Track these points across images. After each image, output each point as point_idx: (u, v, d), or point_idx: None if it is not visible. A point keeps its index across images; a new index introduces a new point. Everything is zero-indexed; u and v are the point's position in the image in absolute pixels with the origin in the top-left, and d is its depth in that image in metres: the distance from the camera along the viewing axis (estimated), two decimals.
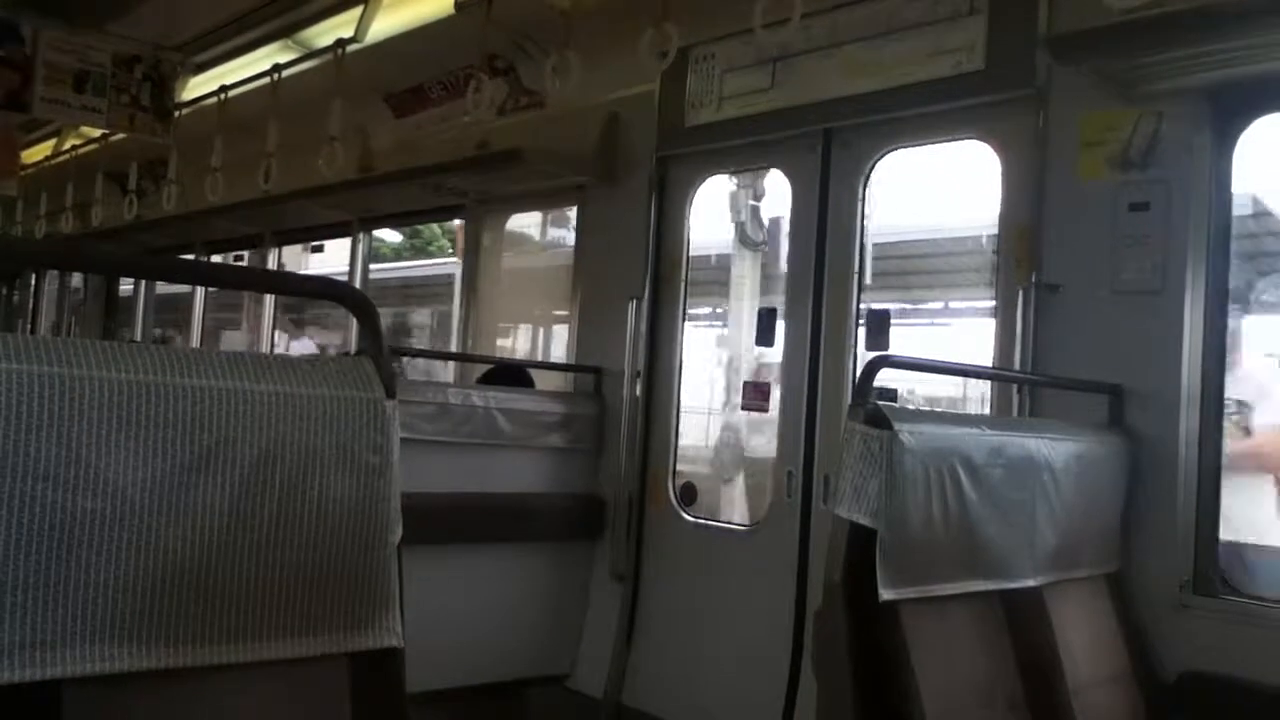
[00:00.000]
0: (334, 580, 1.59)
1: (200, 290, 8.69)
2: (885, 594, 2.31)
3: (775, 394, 4.37)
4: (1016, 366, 3.41)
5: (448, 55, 5.67)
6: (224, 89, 6.78)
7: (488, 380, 5.07)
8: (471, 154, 5.43)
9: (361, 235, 6.80)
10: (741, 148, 4.51)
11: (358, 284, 6.66)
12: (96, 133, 7.87)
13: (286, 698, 1.59)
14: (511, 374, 5.04)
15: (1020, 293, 3.42)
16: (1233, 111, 3.17)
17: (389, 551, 1.66)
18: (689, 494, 4.61)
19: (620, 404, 4.65)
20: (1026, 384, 3.41)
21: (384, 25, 5.82)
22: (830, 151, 4.15)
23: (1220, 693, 2.89)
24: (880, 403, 2.41)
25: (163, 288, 9.95)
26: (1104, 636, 2.98)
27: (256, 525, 1.49)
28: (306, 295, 2.46)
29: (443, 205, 6.08)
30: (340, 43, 5.81)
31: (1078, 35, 3.16)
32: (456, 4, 5.18)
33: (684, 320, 4.70)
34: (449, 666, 4.07)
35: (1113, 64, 3.12)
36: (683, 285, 4.69)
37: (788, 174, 4.35)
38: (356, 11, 5.81)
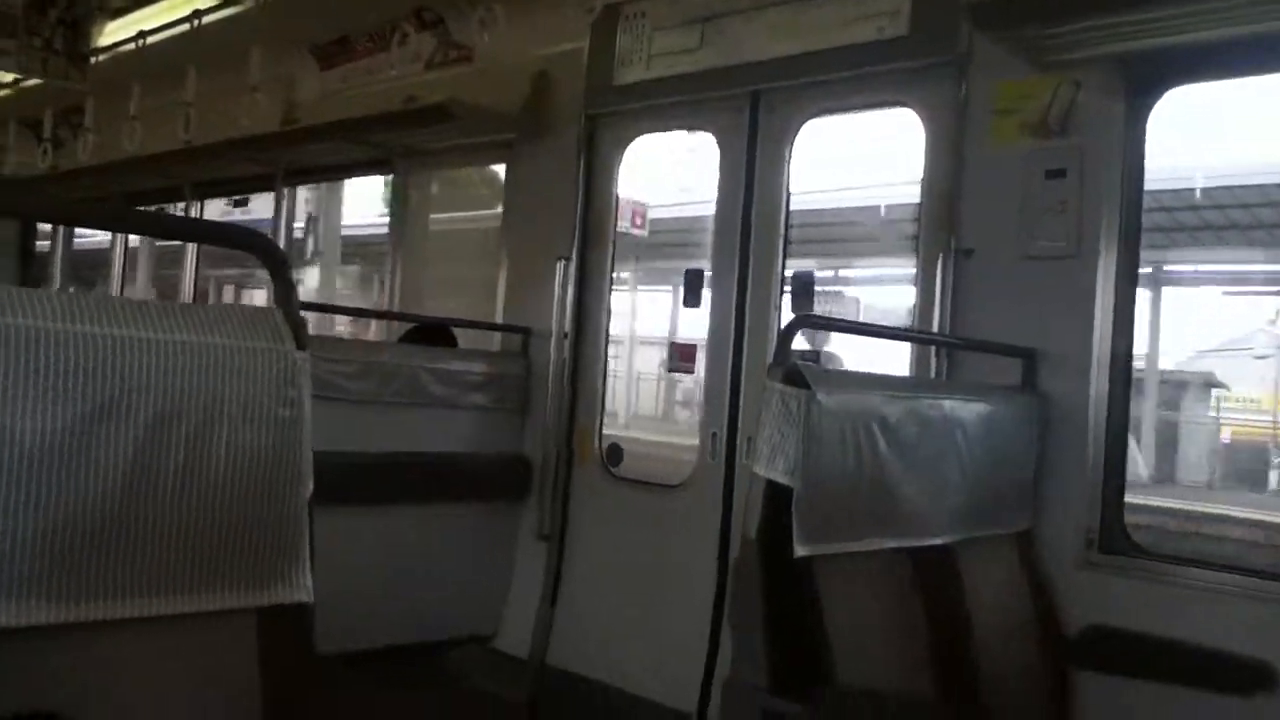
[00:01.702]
0: (242, 534, 1.57)
1: (120, 243, 8.47)
2: (800, 550, 2.36)
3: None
4: (935, 329, 3.47)
5: (375, 6, 5.55)
6: (142, 34, 6.57)
7: (411, 339, 5.02)
8: (399, 108, 5.33)
9: (285, 189, 6.65)
10: (670, 107, 4.49)
11: (281, 238, 6.54)
12: (9, 77, 7.58)
13: (193, 652, 1.58)
14: (435, 333, 4.99)
15: (939, 257, 3.47)
16: (1148, 82, 3.23)
17: (299, 506, 1.65)
18: (615, 454, 4.63)
19: (547, 364, 4.63)
20: (943, 346, 3.47)
21: None
22: (758, 114, 4.15)
23: (1121, 646, 3.00)
24: (799, 363, 2.44)
25: (88, 243, 9.70)
26: (1012, 592, 3.07)
27: (160, 477, 1.47)
28: (217, 243, 2.41)
29: (369, 160, 5.97)
30: None
31: (998, 3, 3.18)
32: None
33: (611, 280, 4.69)
34: (372, 627, 4.06)
35: (1031, 32, 3.16)
36: (611, 246, 4.68)
37: (716, 135, 4.35)
38: None
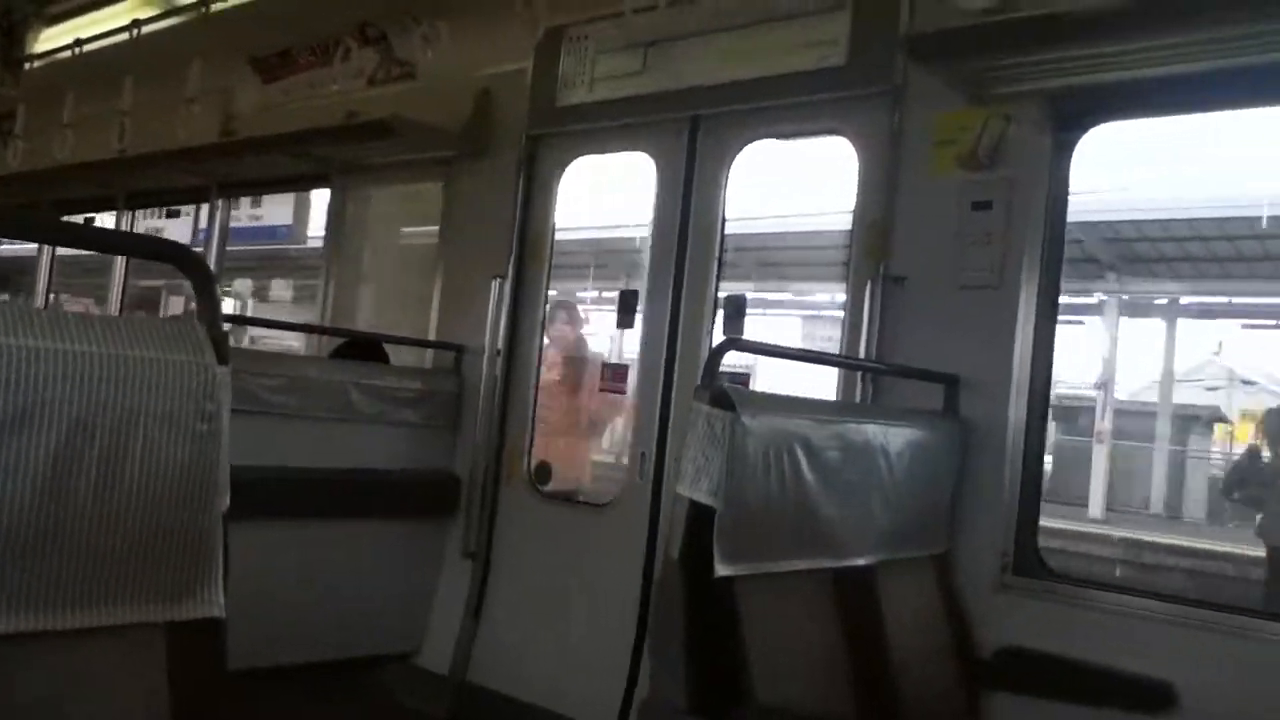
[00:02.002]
0: (154, 548, 1.55)
1: (48, 253, 8.29)
2: (721, 570, 2.37)
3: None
4: (862, 355, 3.51)
5: (318, 20, 5.53)
6: (79, 42, 6.48)
7: (342, 355, 4.98)
8: (340, 123, 5.30)
9: (220, 202, 6.57)
10: (611, 129, 4.52)
11: (214, 252, 6.45)
12: None
13: (100, 668, 1.56)
14: (367, 349, 4.94)
15: (869, 284, 3.52)
16: (1073, 118, 3.32)
17: (214, 520, 1.63)
18: (544, 472, 4.61)
19: (480, 382, 4.61)
20: (869, 372, 3.52)
21: None
22: (697, 138, 4.20)
23: (1032, 668, 3.04)
24: (725, 385, 2.46)
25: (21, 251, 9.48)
26: (929, 614, 3.10)
27: (73, 490, 1.45)
28: (140, 255, 2.38)
29: (307, 175, 5.92)
30: (205, 1, 5.61)
31: (932, 36, 3.26)
32: None
33: (547, 300, 4.69)
34: (294, 642, 4.00)
35: (964, 65, 3.24)
36: (547, 265, 4.68)
37: (655, 158, 4.38)
38: None
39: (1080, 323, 18.31)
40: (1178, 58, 2.93)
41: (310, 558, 4.15)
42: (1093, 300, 17.98)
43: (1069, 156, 3.35)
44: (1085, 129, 3.33)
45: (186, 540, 1.59)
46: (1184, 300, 18.28)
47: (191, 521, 1.59)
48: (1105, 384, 18.52)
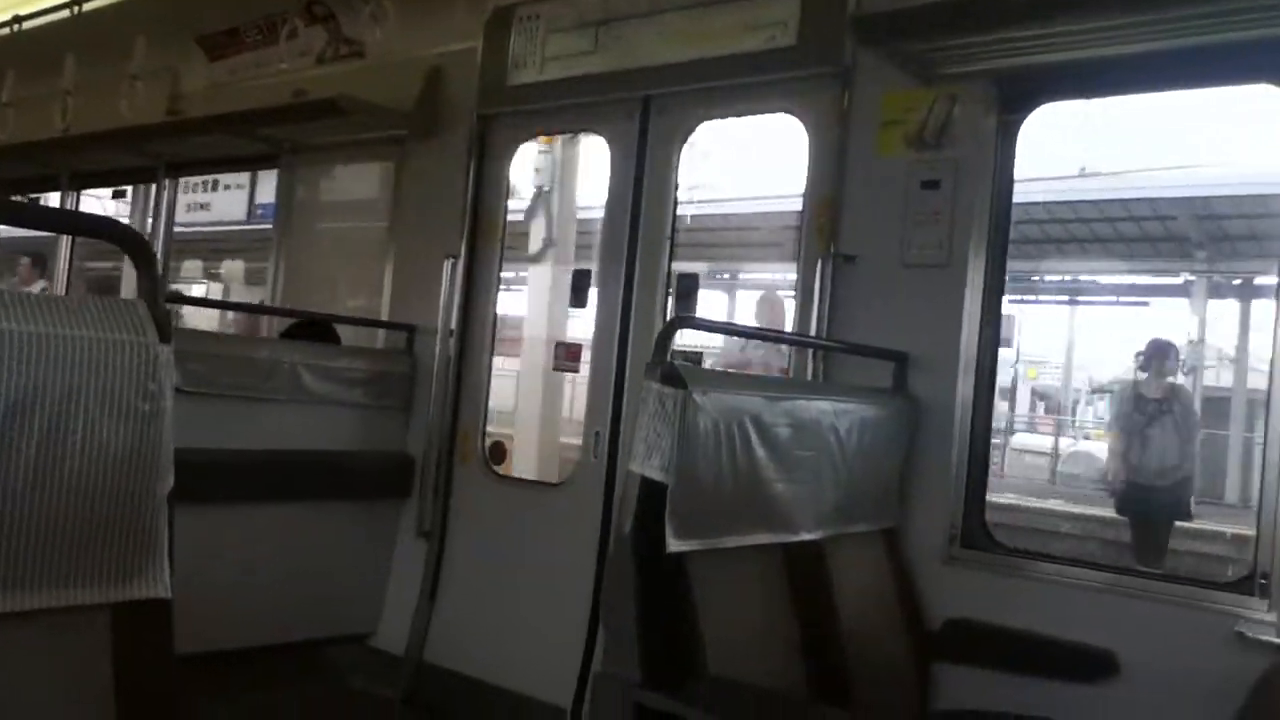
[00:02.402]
0: (98, 529, 1.54)
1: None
2: (673, 545, 2.40)
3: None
4: (813, 333, 3.54)
5: None
6: (18, 19, 6.33)
7: (293, 335, 4.94)
8: (287, 102, 5.24)
9: (168, 181, 6.48)
10: (563, 109, 4.51)
11: (160, 231, 6.36)
12: None
13: (45, 650, 1.54)
14: (318, 330, 4.91)
15: (819, 262, 3.56)
16: (1019, 98, 3.37)
17: (158, 501, 1.62)
18: (498, 452, 4.61)
19: (432, 362, 4.60)
20: (820, 349, 3.55)
21: None
22: (649, 118, 4.20)
23: (980, 638, 3.11)
24: (676, 363, 2.48)
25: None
26: (879, 587, 3.16)
27: (13, 470, 1.44)
28: (78, 233, 2.33)
29: (256, 155, 5.84)
30: None
31: (880, 17, 3.29)
32: None
33: (500, 279, 4.68)
34: (246, 625, 3.98)
35: (911, 46, 3.27)
36: (500, 244, 4.67)
37: (607, 138, 4.38)
38: None
39: (1145, 304, 17.31)
40: (1118, 39, 2.98)
41: (262, 540, 4.13)
42: (1178, 280, 16.60)
43: (1015, 136, 3.39)
44: (1030, 109, 3.38)
45: (130, 521, 1.58)
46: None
47: (135, 502, 1.58)
48: (1195, 370, 16.60)
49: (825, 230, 3.62)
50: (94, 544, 1.55)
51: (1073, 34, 3.01)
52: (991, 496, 3.37)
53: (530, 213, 7.38)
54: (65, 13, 5.96)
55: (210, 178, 11.52)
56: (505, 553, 4.34)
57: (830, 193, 3.63)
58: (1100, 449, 15.10)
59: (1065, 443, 19.29)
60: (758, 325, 5.32)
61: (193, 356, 3.93)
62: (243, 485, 4.02)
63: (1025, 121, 3.40)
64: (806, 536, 2.83)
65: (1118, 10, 2.86)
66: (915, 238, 3.42)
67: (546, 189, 7.30)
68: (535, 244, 7.40)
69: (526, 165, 6.98)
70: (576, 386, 5.38)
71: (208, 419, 3.89)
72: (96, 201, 8.99)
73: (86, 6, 5.89)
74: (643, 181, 4.19)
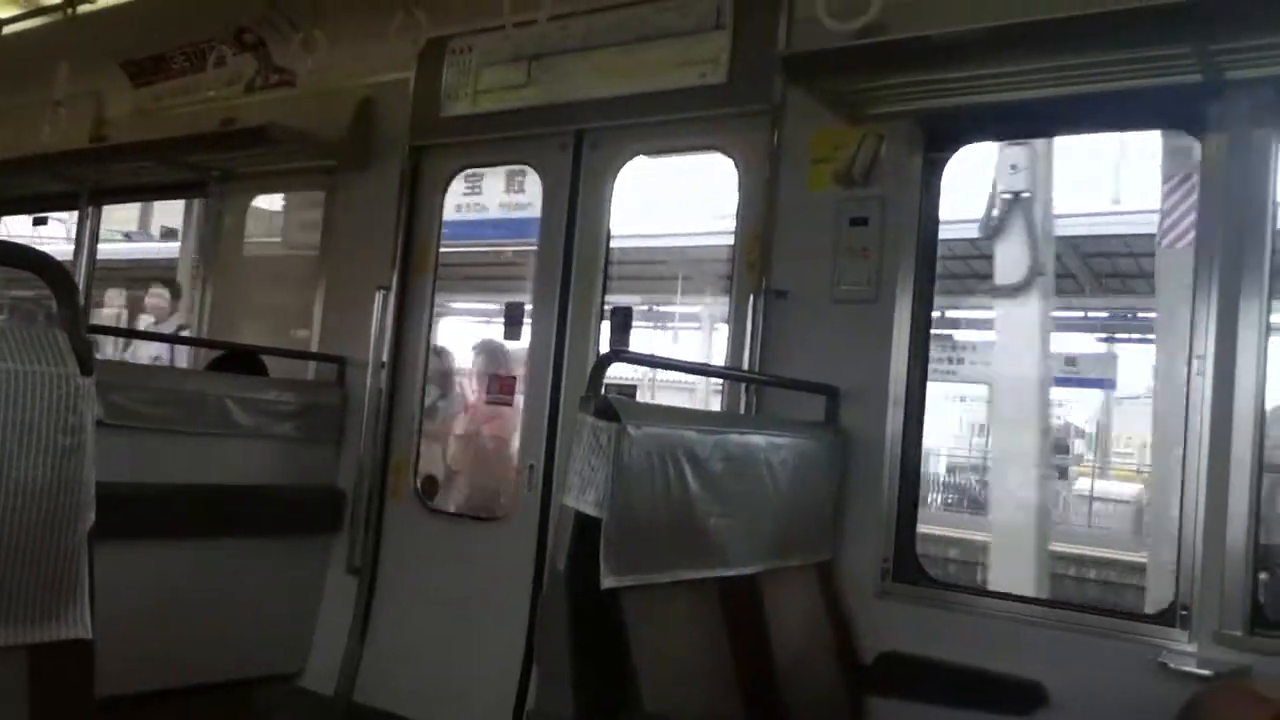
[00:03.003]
0: (15, 568, 1.50)
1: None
2: (607, 581, 2.39)
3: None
4: (745, 367, 3.58)
5: (193, 25, 5.38)
6: None
7: (220, 367, 4.85)
8: (216, 129, 5.17)
9: (91, 209, 6.33)
10: (496, 141, 4.51)
11: (84, 260, 6.21)
12: None
13: None
14: (246, 362, 4.82)
15: (751, 297, 3.60)
16: (943, 138, 3.46)
17: (79, 538, 1.58)
18: (430, 486, 4.57)
19: (364, 395, 4.55)
20: (753, 383, 3.59)
21: None
22: (582, 151, 4.22)
23: (911, 672, 3.15)
24: (610, 396, 2.48)
25: None
26: (813, 620, 3.18)
27: None
28: None
29: (183, 181, 5.74)
30: (71, 1, 5.41)
31: (808, 56, 3.35)
32: None
33: (433, 311, 4.66)
34: (171, 665, 3.87)
35: (838, 86, 3.35)
36: (433, 276, 4.64)
37: (539, 171, 4.39)
38: None
39: None
40: (1037, 84, 3.09)
41: (187, 577, 4.02)
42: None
43: (940, 174, 3.48)
44: (955, 149, 3.48)
45: (50, 559, 1.54)
46: None
47: (55, 539, 1.54)
48: None
49: (757, 265, 3.67)
50: (10, 583, 1.50)
51: (993, 78, 3.12)
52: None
53: (998, 228, 5.67)
54: None
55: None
56: (438, 589, 4.29)
57: (761, 228, 3.68)
58: None
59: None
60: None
61: (116, 388, 3.84)
62: (167, 520, 3.93)
63: (950, 160, 3.49)
64: (741, 570, 2.84)
65: (1035, 56, 2.96)
66: (845, 273, 3.48)
67: (1027, 194, 5.43)
68: (1011, 272, 5.74)
69: (991, 166, 5.23)
70: None
71: (132, 453, 3.80)
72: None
73: (7, 30, 5.76)
74: (576, 214, 4.20)
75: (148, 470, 3.84)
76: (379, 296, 4.55)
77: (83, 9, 5.40)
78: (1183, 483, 2.90)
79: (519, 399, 4.36)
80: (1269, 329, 2.86)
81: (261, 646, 4.38)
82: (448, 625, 4.22)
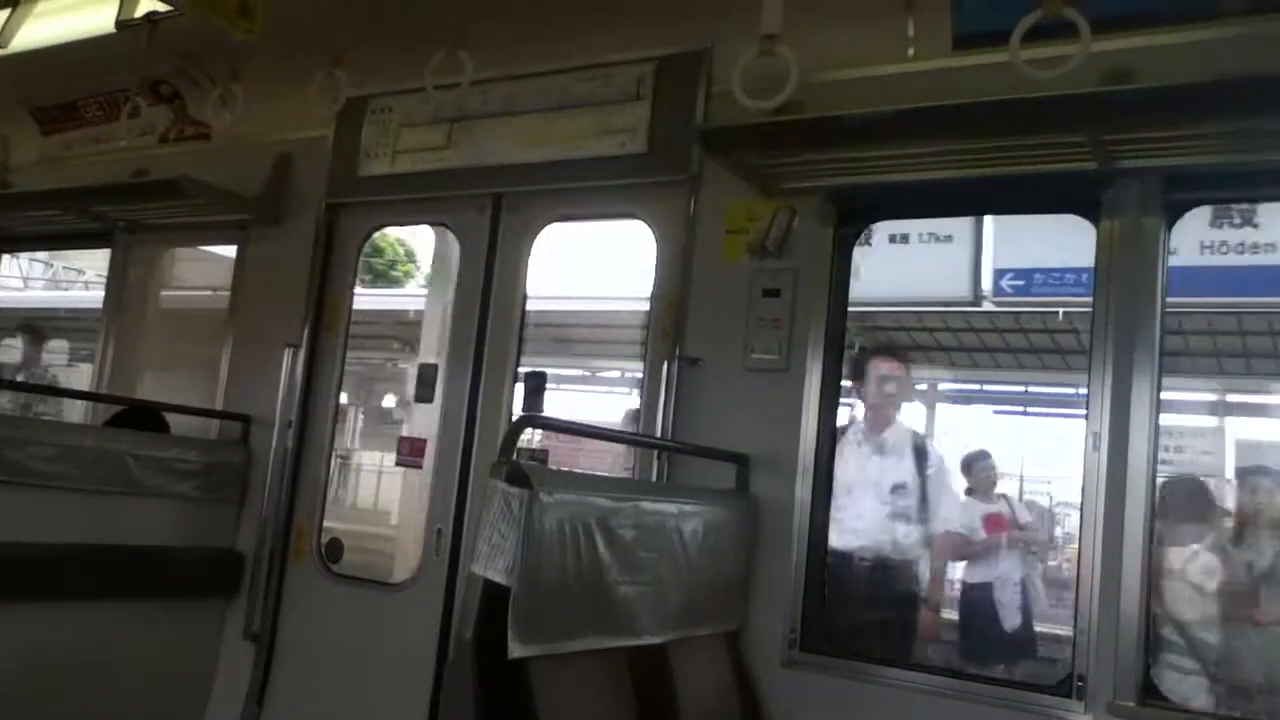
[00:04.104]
0: None
1: None
2: (515, 651, 2.35)
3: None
4: (658, 433, 3.59)
5: (107, 74, 5.29)
6: None
7: (119, 423, 4.70)
8: (126, 180, 5.08)
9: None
10: (414, 202, 4.50)
11: None
12: None
13: None
14: (147, 417, 4.69)
15: (665, 363, 3.63)
16: (854, 214, 3.56)
17: None
18: (335, 550, 4.46)
19: (269, 454, 4.45)
20: (664, 450, 3.60)
21: (35, 34, 5.36)
22: (500, 215, 4.24)
23: None
24: (522, 462, 2.47)
25: None
26: (722, 690, 3.17)
27: None
28: None
29: (89, 231, 5.61)
30: None
31: (724, 130, 3.42)
32: (117, 23, 4.87)
33: (342, 370, 4.59)
34: None
35: (751, 160, 3.43)
36: (343, 334, 4.58)
37: (456, 232, 4.40)
38: (1, 15, 5.33)
39: None
40: (941, 165, 3.21)
41: (75, 641, 3.87)
42: None
43: (849, 249, 3.57)
44: (865, 225, 3.59)
45: None
46: None
47: None
48: None
49: (670, 332, 3.70)
50: None
51: (902, 158, 3.23)
52: None
53: None
54: None
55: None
56: (339, 656, 4.18)
57: (676, 296, 3.72)
58: None
59: None
60: None
61: (8, 443, 3.70)
62: (58, 582, 3.79)
63: (860, 235, 3.59)
64: (650, 640, 2.82)
65: (941, 139, 3.07)
66: (757, 342, 3.54)
67: None
68: None
69: None
70: None
71: (22, 510, 3.66)
72: None
73: None
74: (492, 277, 4.20)
75: (38, 529, 3.70)
76: (288, 353, 4.47)
77: None
78: (1079, 554, 2.98)
79: (428, 462, 4.29)
80: (1159, 405, 2.98)
81: (155, 714, 4.21)
82: (349, 692, 4.10)
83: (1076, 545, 3.00)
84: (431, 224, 4.65)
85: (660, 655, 2.89)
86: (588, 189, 4.05)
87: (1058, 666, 3.66)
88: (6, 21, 5.31)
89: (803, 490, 3.40)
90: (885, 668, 3.24)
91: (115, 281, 5.51)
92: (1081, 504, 2.99)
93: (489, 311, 4.18)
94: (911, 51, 3.41)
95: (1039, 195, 3.29)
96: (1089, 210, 3.14)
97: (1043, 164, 3.08)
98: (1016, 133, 2.95)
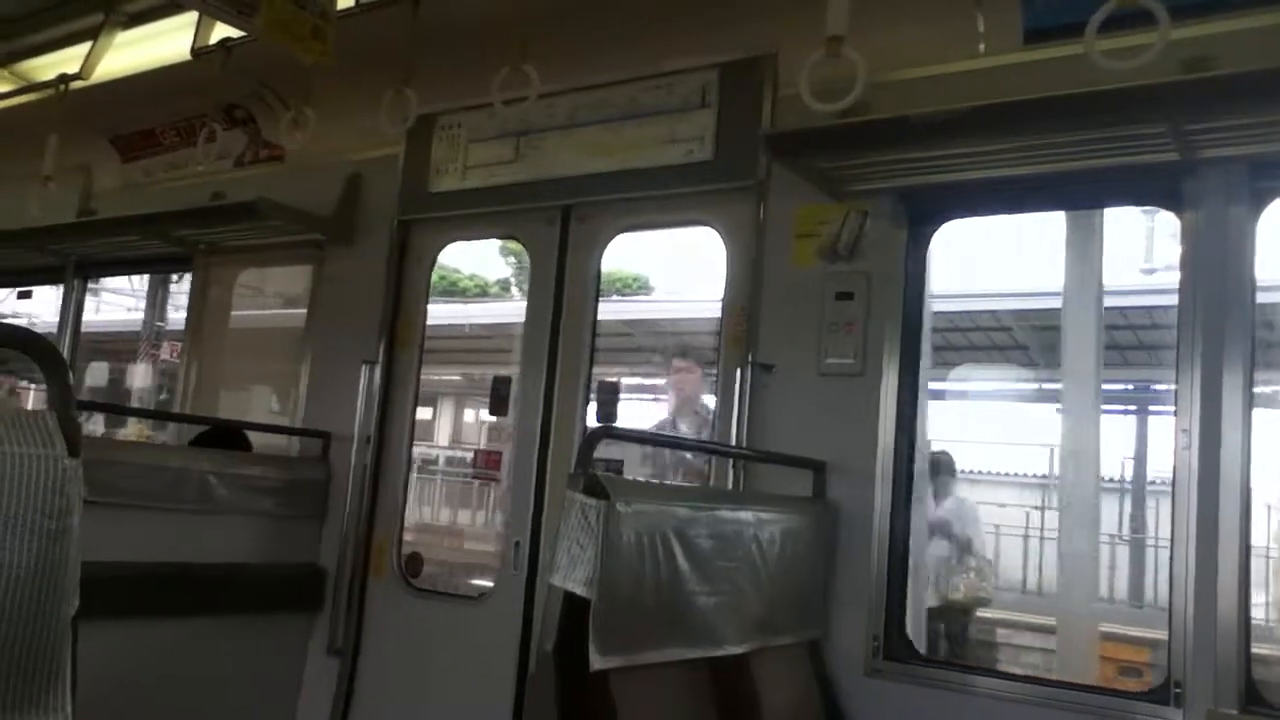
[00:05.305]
0: None
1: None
2: (597, 663, 2.35)
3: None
4: (733, 442, 3.57)
5: (183, 100, 5.43)
6: None
7: (203, 443, 4.81)
8: (205, 204, 5.20)
9: (77, 282, 6.33)
10: (484, 216, 4.54)
11: (68, 333, 6.20)
12: None
13: None
14: (229, 437, 4.79)
15: (738, 371, 3.60)
16: (926, 214, 3.50)
17: (62, 625, 1.54)
18: (415, 564, 4.51)
19: (348, 470, 4.51)
20: (739, 458, 3.58)
21: (114, 64, 5.54)
22: (569, 226, 4.25)
23: None
24: (599, 473, 2.46)
25: None
26: (804, 700, 3.14)
27: None
28: None
29: (170, 255, 5.75)
30: (64, 78, 5.46)
31: (791, 135, 3.40)
32: (193, 51, 5.00)
33: (418, 385, 4.64)
34: None
35: (820, 164, 3.39)
36: (418, 351, 4.64)
37: (527, 245, 4.43)
38: (84, 48, 5.50)
39: None
40: (1016, 162, 3.14)
41: (165, 658, 3.95)
42: None
43: (925, 249, 3.52)
44: (938, 224, 3.52)
45: (31, 647, 1.50)
46: None
47: (37, 627, 1.50)
48: None
49: (743, 339, 3.68)
50: None
51: (974, 156, 3.17)
52: None
53: None
54: None
55: None
56: (421, 669, 4.22)
57: (747, 302, 3.70)
58: None
59: None
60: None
61: (98, 465, 3.79)
62: (146, 600, 3.86)
63: (934, 235, 3.53)
64: (731, 650, 2.80)
65: (1014, 136, 3.01)
66: (831, 347, 3.50)
67: None
68: None
69: None
70: None
71: (111, 530, 3.74)
72: None
73: (0, 105, 5.81)
74: (563, 288, 4.22)
75: (127, 548, 3.78)
76: (365, 371, 4.54)
77: (75, 85, 5.44)
78: (1171, 557, 2.89)
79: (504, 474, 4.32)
80: (1252, 401, 2.88)
81: None
82: (432, 706, 4.13)
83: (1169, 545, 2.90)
84: (502, 237, 4.68)
85: (741, 665, 2.86)
86: (655, 198, 4.04)
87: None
88: (88, 54, 5.49)
89: (882, 496, 3.35)
90: (972, 674, 3.17)
91: (196, 303, 5.65)
92: (1173, 502, 2.90)
93: (560, 322, 4.19)
94: (982, 47, 3.36)
95: (1119, 188, 3.22)
96: (1172, 201, 3.06)
97: (1122, 156, 3.00)
98: (1094, 126, 2.88)
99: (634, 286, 18.76)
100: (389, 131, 4.06)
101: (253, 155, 5.42)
